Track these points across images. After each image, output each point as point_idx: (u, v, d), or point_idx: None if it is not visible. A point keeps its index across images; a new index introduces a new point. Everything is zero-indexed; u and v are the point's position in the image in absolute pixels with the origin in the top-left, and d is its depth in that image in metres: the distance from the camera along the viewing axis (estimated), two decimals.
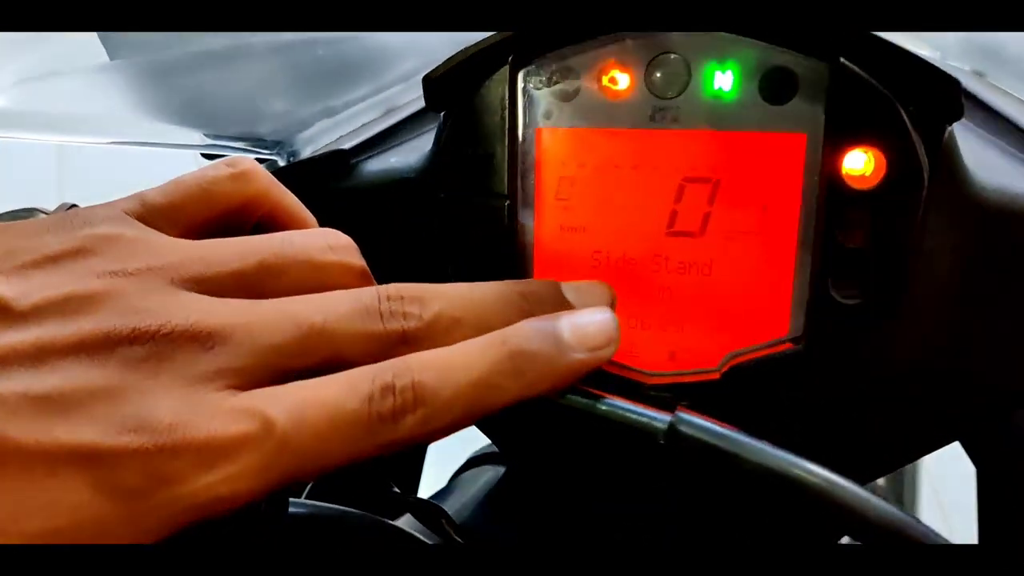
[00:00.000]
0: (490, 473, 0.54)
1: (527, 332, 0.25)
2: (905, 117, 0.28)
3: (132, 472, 0.20)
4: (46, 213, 0.38)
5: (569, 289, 0.29)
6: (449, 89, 0.33)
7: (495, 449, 0.56)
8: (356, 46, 0.41)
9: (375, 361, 0.24)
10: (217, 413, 0.21)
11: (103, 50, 0.30)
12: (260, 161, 0.39)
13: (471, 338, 0.26)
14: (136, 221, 0.25)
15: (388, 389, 0.22)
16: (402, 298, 0.25)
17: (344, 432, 0.22)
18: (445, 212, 0.34)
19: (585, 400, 0.27)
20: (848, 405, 0.32)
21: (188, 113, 0.34)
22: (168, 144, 0.35)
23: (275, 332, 0.23)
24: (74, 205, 0.37)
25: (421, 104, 0.43)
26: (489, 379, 0.24)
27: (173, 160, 0.39)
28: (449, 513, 0.48)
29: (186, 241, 0.25)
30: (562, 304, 0.28)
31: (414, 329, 0.25)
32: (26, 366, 0.20)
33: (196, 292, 0.24)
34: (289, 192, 0.29)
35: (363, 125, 0.43)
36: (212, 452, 0.21)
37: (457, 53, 0.33)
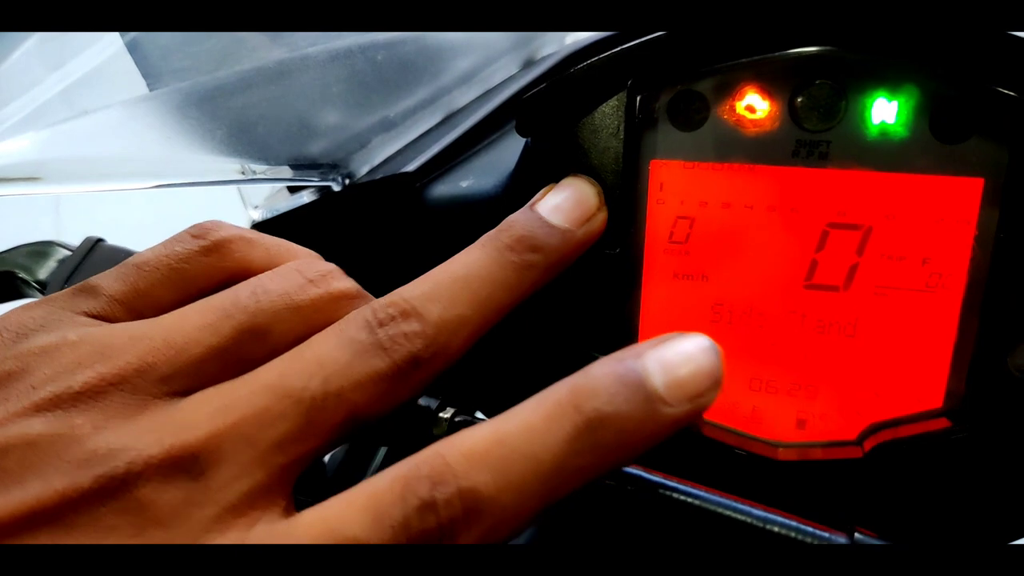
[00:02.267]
0: None
1: (607, 388, 0.19)
2: None
3: None
4: (68, 248, 0.32)
5: (549, 209, 0.26)
6: (550, 115, 0.28)
7: None
8: (414, 47, 0.35)
9: (390, 406, 0.20)
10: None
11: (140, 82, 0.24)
12: (310, 187, 0.34)
13: (477, 328, 0.22)
14: (83, 317, 0.21)
15: (426, 507, 0.17)
16: (394, 318, 0.21)
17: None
18: None
19: (748, 515, 0.22)
20: (1005, 485, 0.28)
21: (235, 140, 0.29)
22: (210, 182, 0.30)
23: (273, 423, 0.19)
24: (100, 240, 0.32)
25: (483, 110, 0.38)
26: (565, 464, 0.18)
27: (213, 190, 0.33)
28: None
29: (145, 323, 0.20)
30: (551, 233, 0.25)
31: (422, 349, 0.21)
32: None
33: (167, 396, 0.19)
34: (270, 239, 0.24)
35: (421, 136, 0.37)
36: None
37: (565, 75, 0.28)
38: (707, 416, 0.30)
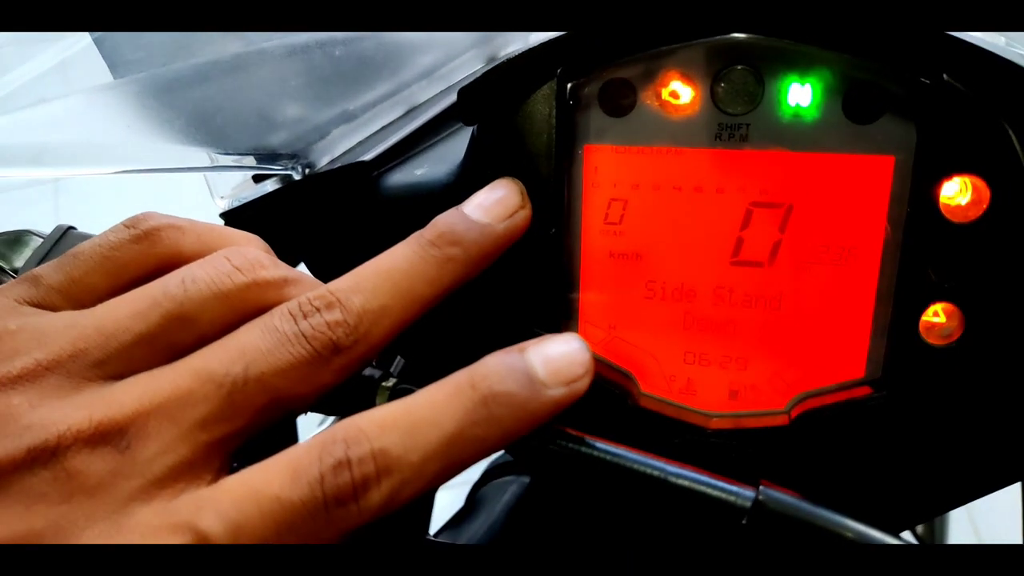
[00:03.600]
0: (514, 486, 0.52)
1: (497, 372, 0.23)
2: (1016, 141, 0.25)
3: None
4: (40, 236, 0.34)
5: (473, 207, 0.28)
6: (488, 103, 0.30)
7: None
8: (373, 43, 0.37)
9: (315, 390, 0.22)
10: (148, 533, 0.18)
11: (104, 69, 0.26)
12: (273, 176, 0.36)
13: (399, 318, 0.24)
14: (25, 307, 0.22)
15: (341, 466, 0.20)
16: (318, 310, 0.23)
17: (297, 527, 0.19)
18: None
19: (656, 469, 0.24)
20: (923, 451, 0.29)
21: (195, 130, 0.30)
22: (173, 169, 0.31)
23: (195, 404, 0.20)
24: (71, 227, 0.34)
25: (442, 103, 0.40)
26: (463, 431, 0.21)
27: (182, 182, 0.35)
28: (475, 539, 0.45)
29: (80, 313, 0.22)
30: (470, 228, 0.27)
31: (343, 336, 0.23)
32: None
33: (100, 379, 0.21)
34: (204, 226, 0.26)
35: (382, 128, 0.39)
36: None
37: (499, 64, 0.29)
38: (644, 388, 0.32)
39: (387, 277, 0.25)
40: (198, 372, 0.21)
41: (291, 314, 0.23)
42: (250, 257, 0.24)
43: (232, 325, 0.23)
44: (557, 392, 0.23)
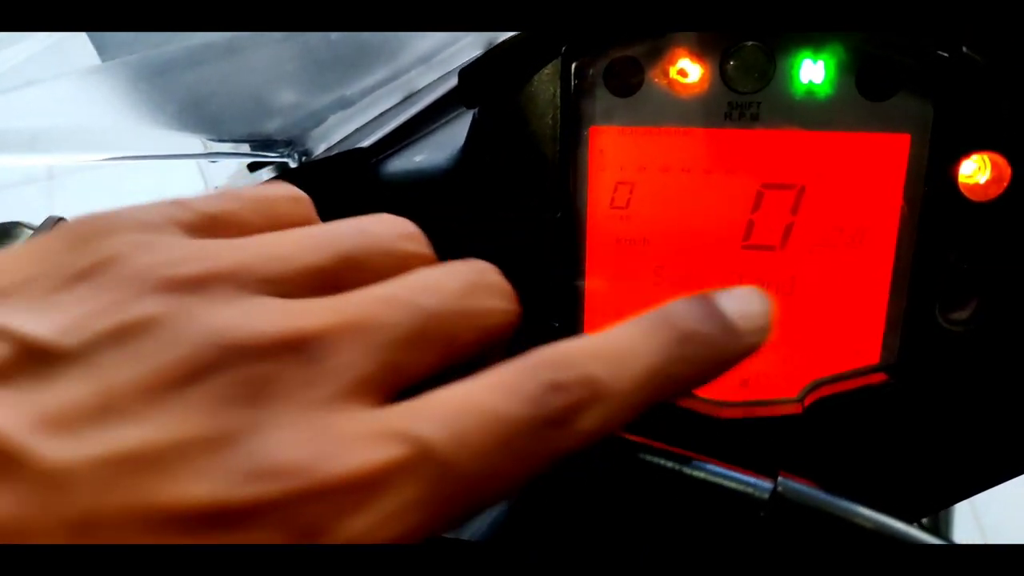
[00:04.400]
0: None
1: (693, 313, 0.21)
2: None
3: (268, 529, 0.16)
4: (31, 228, 0.33)
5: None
6: (490, 84, 0.29)
7: None
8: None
9: (490, 344, 0.21)
10: (356, 441, 0.17)
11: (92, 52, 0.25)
12: (269, 164, 0.35)
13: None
14: (173, 227, 0.20)
15: (557, 386, 0.18)
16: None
17: (516, 445, 0.18)
18: (479, 223, 0.30)
19: (667, 461, 0.23)
20: (938, 438, 0.28)
21: (188, 116, 0.29)
22: (166, 156, 0.30)
23: (389, 325, 0.19)
24: (62, 219, 0.33)
25: (442, 89, 0.39)
26: (665, 366, 0.20)
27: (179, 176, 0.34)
28: (478, 534, 0.44)
29: (243, 239, 0.20)
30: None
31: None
32: (99, 422, 0.16)
33: (272, 295, 0.19)
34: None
35: (381, 115, 0.38)
36: (361, 490, 0.16)
37: (500, 43, 0.28)
38: None
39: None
40: (387, 299, 0.20)
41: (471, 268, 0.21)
42: (414, 231, 0.23)
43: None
44: (749, 339, 0.22)
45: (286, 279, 0.20)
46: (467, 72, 0.29)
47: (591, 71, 0.28)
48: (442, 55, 0.41)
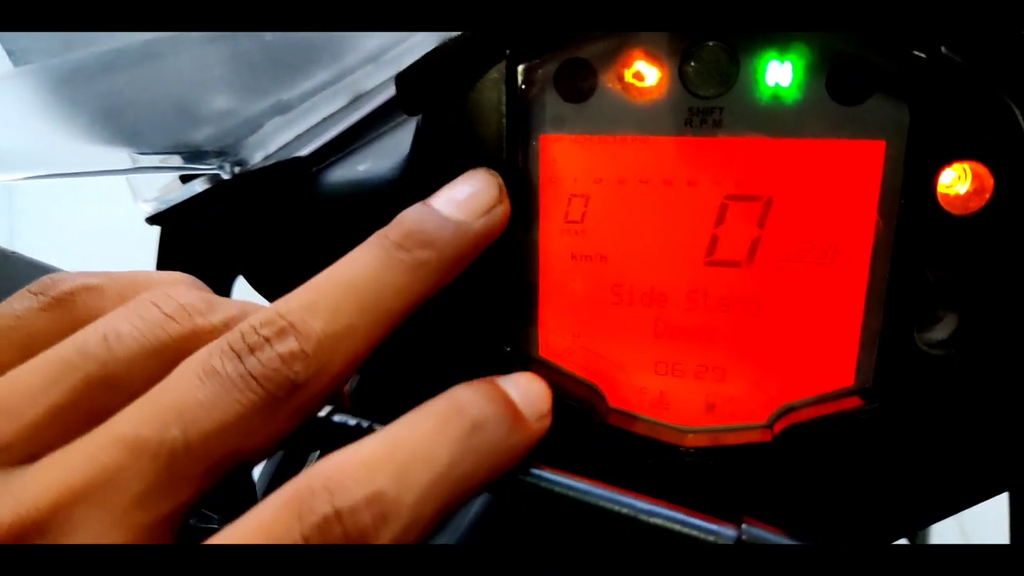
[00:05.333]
0: (480, 498, 0.49)
1: (480, 403, 0.21)
2: (1022, 123, 0.22)
3: None
4: None
5: (443, 202, 0.25)
6: (430, 90, 0.26)
7: None
8: None
9: (272, 440, 0.19)
10: None
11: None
12: (200, 176, 0.32)
13: (368, 339, 0.21)
14: None
15: (329, 522, 0.16)
16: (267, 340, 0.19)
17: None
18: None
19: (626, 507, 0.21)
20: (915, 464, 0.26)
21: (101, 128, 0.27)
22: (89, 172, 0.28)
23: (128, 482, 0.17)
24: (13, 253, 0.30)
25: (389, 91, 0.36)
26: (455, 467, 0.19)
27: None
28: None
29: None
30: (443, 226, 0.24)
31: (302, 371, 0.19)
32: None
33: (8, 466, 0.17)
34: (124, 277, 0.22)
35: (324, 120, 0.36)
36: None
37: (441, 45, 0.26)
38: (613, 402, 0.29)
39: (349, 290, 0.21)
40: (126, 442, 0.17)
41: (233, 350, 0.19)
42: (183, 301, 0.20)
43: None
44: (535, 426, 0.22)
45: (25, 438, 0.17)
46: (404, 77, 0.26)
47: (539, 75, 0.26)
48: (392, 53, 0.39)
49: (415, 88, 0.26)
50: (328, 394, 0.20)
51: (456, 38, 0.26)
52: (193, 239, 0.36)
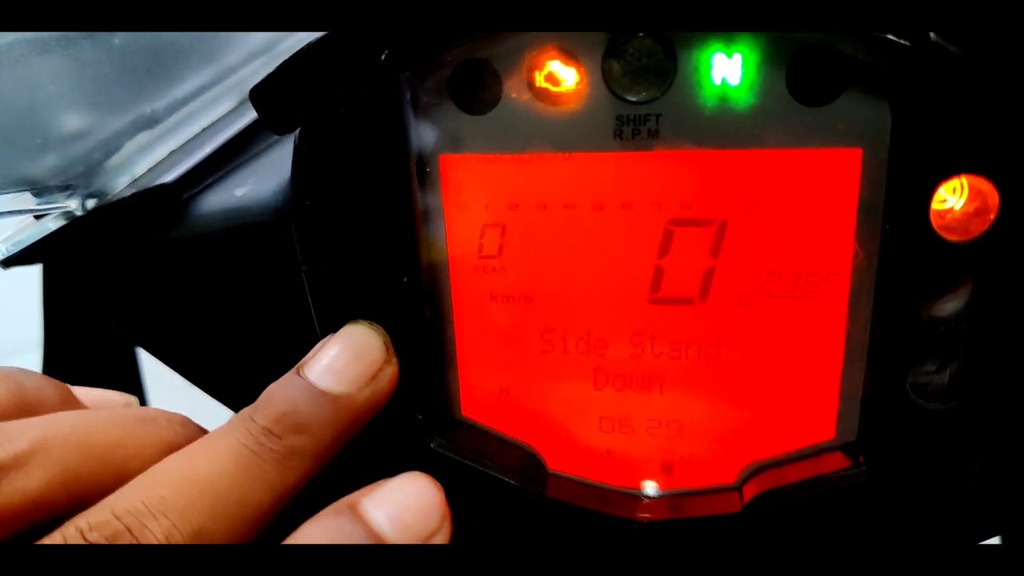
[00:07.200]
0: None
1: (331, 537, 0.18)
2: None
3: None
4: None
5: (319, 373, 0.21)
6: (293, 106, 0.21)
7: None
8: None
9: None
10: None
11: None
12: (45, 216, 0.27)
13: (218, 536, 0.17)
14: None
15: None
16: None
17: None
18: (312, 291, 0.23)
19: None
20: (905, 526, 0.22)
21: None
22: None
23: None
24: None
25: None
26: None
27: None
28: None
29: None
30: (320, 404, 0.20)
31: None
32: None
33: None
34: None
35: (204, 131, 0.30)
36: None
37: (301, 51, 0.20)
38: (553, 467, 0.24)
39: (205, 487, 0.17)
40: None
41: None
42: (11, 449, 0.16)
43: None
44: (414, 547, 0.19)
45: None
46: (259, 91, 0.21)
47: (431, 82, 0.21)
48: (287, 43, 0.33)
49: (276, 103, 0.21)
50: None
51: (319, 39, 0.20)
52: (56, 283, 0.31)
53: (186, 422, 0.20)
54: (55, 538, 0.15)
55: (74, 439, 0.17)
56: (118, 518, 0.16)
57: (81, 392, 0.22)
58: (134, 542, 0.16)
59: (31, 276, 0.37)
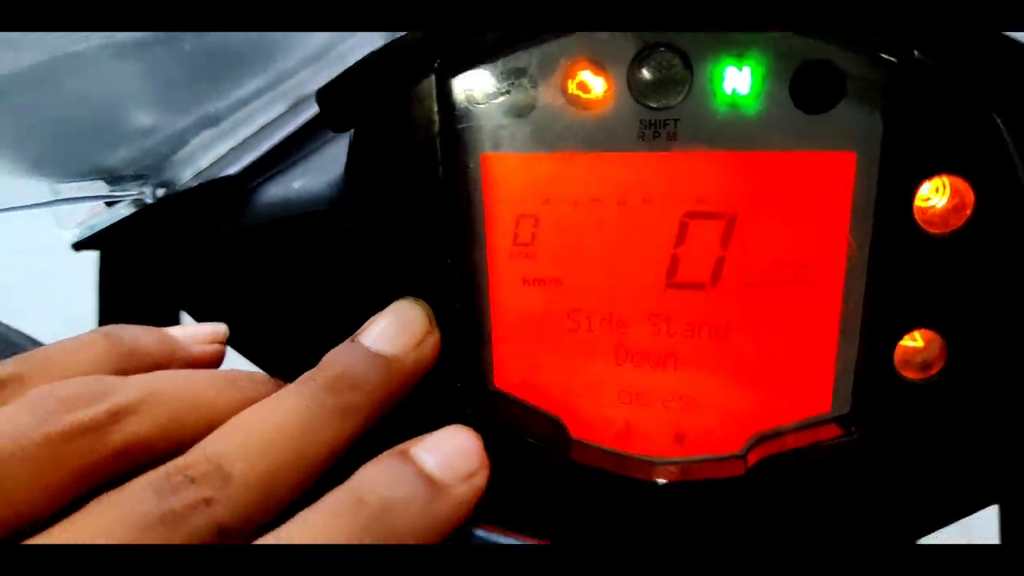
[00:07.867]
0: None
1: (383, 480, 0.19)
2: (1005, 133, 0.20)
3: None
4: None
5: (372, 339, 0.23)
6: (354, 107, 0.24)
7: None
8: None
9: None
10: None
11: None
12: (124, 200, 0.30)
13: (292, 486, 0.19)
14: None
15: None
16: (193, 480, 0.18)
17: None
18: (364, 273, 0.26)
19: None
20: (896, 491, 0.25)
21: (17, 158, 0.24)
22: (4, 209, 0.25)
23: None
24: None
25: None
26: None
27: None
28: None
29: None
30: (373, 367, 0.22)
31: (224, 515, 0.18)
32: None
33: None
34: (40, 357, 0.21)
35: (263, 129, 0.33)
36: None
37: (365, 57, 0.23)
38: (576, 434, 0.27)
39: (278, 434, 0.20)
40: None
41: (156, 487, 0.18)
42: (64, 394, 0.19)
43: (69, 495, 0.17)
44: (459, 491, 0.20)
45: None
46: (326, 92, 0.24)
47: (475, 89, 0.24)
48: (338, 49, 0.36)
49: (338, 104, 0.24)
50: (252, 535, 0.18)
51: (380, 48, 0.23)
52: (131, 265, 0.33)
53: (266, 380, 0.23)
54: (160, 473, 0.18)
55: (177, 394, 0.20)
56: (208, 459, 0.19)
57: (177, 331, 0.25)
58: (222, 482, 0.18)
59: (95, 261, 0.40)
